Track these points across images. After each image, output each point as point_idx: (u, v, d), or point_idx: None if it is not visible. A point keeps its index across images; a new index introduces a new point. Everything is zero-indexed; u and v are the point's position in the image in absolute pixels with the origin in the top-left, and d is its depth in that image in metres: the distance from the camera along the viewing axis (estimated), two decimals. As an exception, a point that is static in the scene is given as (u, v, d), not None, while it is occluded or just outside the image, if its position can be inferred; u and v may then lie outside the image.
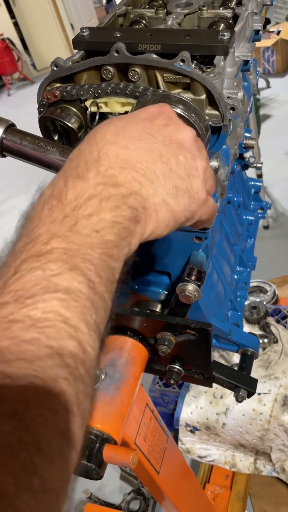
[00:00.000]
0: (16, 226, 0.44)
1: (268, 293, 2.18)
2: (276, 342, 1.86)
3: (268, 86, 5.52)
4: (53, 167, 0.62)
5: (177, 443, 1.83)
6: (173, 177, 0.48)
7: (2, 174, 5.05)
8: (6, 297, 0.35)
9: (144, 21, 0.90)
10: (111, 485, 2.12)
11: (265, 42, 5.51)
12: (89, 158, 0.45)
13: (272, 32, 5.70)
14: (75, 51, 0.77)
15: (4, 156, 0.62)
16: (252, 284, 2.22)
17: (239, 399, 0.99)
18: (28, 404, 0.30)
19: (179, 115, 0.62)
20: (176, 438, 1.85)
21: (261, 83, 5.46)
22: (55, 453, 0.30)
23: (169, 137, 0.50)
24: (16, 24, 7.78)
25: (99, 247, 0.39)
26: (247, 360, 1.04)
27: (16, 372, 0.31)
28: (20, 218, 0.44)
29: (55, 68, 0.71)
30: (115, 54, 0.67)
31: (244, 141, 1.23)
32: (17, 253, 0.39)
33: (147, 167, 0.46)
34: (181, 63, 0.65)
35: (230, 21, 0.87)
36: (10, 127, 0.61)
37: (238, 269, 1.25)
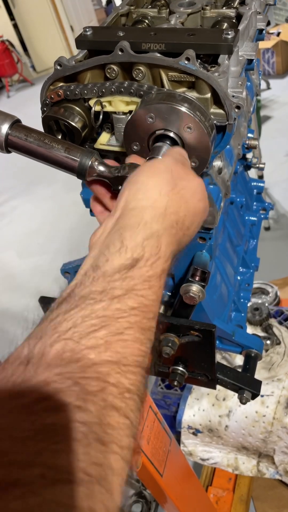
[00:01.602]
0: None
1: (270, 295, 2.18)
2: (279, 343, 1.86)
3: (268, 88, 5.52)
4: (58, 164, 0.61)
5: (179, 445, 1.82)
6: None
7: (2, 176, 5.04)
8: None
9: (147, 21, 0.89)
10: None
11: (265, 44, 5.51)
12: None
13: (272, 33, 5.71)
14: (78, 50, 0.76)
15: (9, 152, 0.62)
16: (254, 286, 2.22)
17: (243, 401, 0.98)
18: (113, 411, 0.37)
19: (184, 114, 0.62)
20: (178, 441, 1.84)
21: (261, 84, 5.45)
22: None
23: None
24: (15, 26, 7.78)
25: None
26: (251, 362, 1.03)
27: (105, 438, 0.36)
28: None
29: (58, 67, 0.70)
30: (120, 53, 0.67)
31: (247, 141, 1.22)
32: None
33: None
34: (186, 62, 0.64)
35: (234, 21, 0.87)
36: (16, 123, 0.61)
37: (241, 270, 1.25)
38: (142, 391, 0.41)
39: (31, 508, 0.29)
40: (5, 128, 0.60)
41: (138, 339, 0.43)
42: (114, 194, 0.63)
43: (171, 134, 0.63)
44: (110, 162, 0.64)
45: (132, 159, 0.65)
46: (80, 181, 0.87)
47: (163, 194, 0.52)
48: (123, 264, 0.46)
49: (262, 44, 5.46)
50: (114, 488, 0.34)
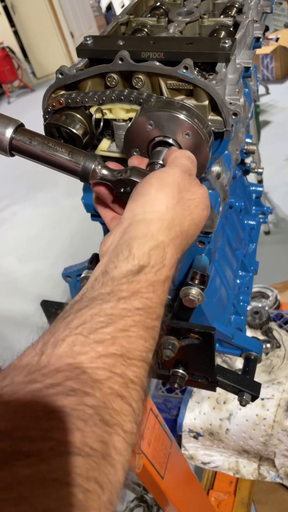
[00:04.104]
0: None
1: (270, 299, 2.19)
2: (279, 347, 1.86)
3: (268, 93, 5.55)
4: (62, 167, 0.62)
5: (180, 449, 1.83)
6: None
7: (2, 181, 5.06)
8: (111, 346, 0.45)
9: (146, 30, 0.91)
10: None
11: (264, 49, 5.54)
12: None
13: (271, 39, 5.74)
14: (79, 59, 0.78)
15: (13, 155, 0.63)
16: (254, 290, 2.23)
17: (243, 403, 0.99)
18: (114, 398, 0.40)
19: (183, 121, 0.63)
20: (179, 444, 1.84)
21: (261, 89, 5.49)
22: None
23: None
24: (16, 33, 7.83)
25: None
26: (250, 364, 1.05)
27: (109, 421, 0.39)
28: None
29: (60, 76, 0.72)
30: (120, 62, 0.68)
31: (245, 147, 1.24)
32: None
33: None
34: (184, 70, 0.66)
35: (231, 29, 0.89)
36: (20, 127, 0.62)
37: (240, 273, 1.26)
38: (145, 384, 0.45)
39: (41, 473, 0.32)
40: (9, 132, 0.61)
41: (142, 336, 0.47)
42: (116, 197, 0.65)
43: (170, 141, 0.65)
44: (114, 165, 0.65)
45: (134, 159, 0.67)
46: (81, 186, 0.88)
47: (169, 207, 0.55)
48: (130, 270, 0.50)
49: (261, 50, 5.49)
50: (117, 465, 0.38)
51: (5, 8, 7.55)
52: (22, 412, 0.36)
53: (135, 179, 0.60)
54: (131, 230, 0.54)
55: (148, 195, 0.56)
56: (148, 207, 0.55)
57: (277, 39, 5.71)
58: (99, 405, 0.39)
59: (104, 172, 0.62)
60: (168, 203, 0.56)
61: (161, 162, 0.64)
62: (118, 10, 3.54)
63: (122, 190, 0.61)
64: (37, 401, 0.37)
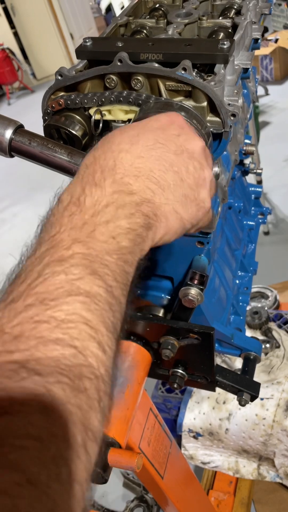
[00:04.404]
0: (35, 231, 0.46)
1: (270, 299, 2.19)
2: (278, 347, 1.87)
3: (267, 94, 5.56)
4: (61, 168, 0.63)
5: (180, 449, 1.83)
6: (183, 186, 0.51)
7: (2, 182, 5.07)
8: (30, 299, 0.37)
9: (145, 31, 0.92)
10: (114, 493, 2.11)
11: (263, 50, 5.55)
12: (105, 165, 0.47)
13: (270, 40, 5.75)
14: (78, 60, 0.78)
15: (12, 156, 0.63)
16: (253, 290, 2.23)
17: (242, 403, 0.99)
18: (56, 400, 0.32)
19: None
20: (179, 444, 1.84)
21: (260, 90, 5.50)
22: (80, 447, 0.32)
23: (181, 147, 0.52)
24: (16, 34, 7.84)
25: (116, 253, 0.42)
26: (249, 364, 1.05)
27: (45, 370, 0.33)
28: (39, 223, 0.46)
29: (59, 77, 0.73)
30: (118, 63, 0.69)
31: (244, 148, 1.24)
32: (39, 257, 0.40)
33: (159, 175, 0.48)
34: (183, 72, 0.67)
35: (230, 30, 0.89)
36: (19, 128, 0.62)
37: (239, 274, 1.26)
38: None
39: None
40: (8, 133, 0.61)
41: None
42: None
43: (169, 142, 0.65)
44: None
45: None
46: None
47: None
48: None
49: (260, 51, 5.51)
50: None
51: (5, 9, 7.57)
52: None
53: None
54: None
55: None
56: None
57: (276, 40, 5.72)
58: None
59: None
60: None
61: None
62: (117, 12, 3.55)
63: None
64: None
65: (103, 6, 3.99)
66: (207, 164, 0.54)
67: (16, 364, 0.32)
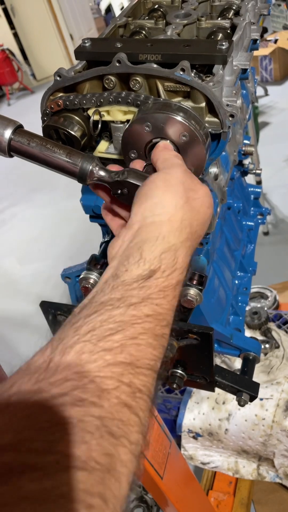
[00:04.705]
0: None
1: (269, 299, 2.19)
2: (278, 347, 1.87)
3: (266, 94, 5.56)
4: (60, 168, 0.63)
5: (180, 449, 1.83)
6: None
7: (2, 183, 5.07)
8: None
9: (144, 32, 0.92)
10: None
11: (262, 51, 5.56)
12: None
13: (269, 40, 5.76)
14: (77, 61, 0.78)
15: (11, 156, 0.63)
16: (253, 290, 2.23)
17: (241, 403, 0.99)
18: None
19: (180, 123, 0.64)
20: (179, 445, 1.84)
21: (260, 91, 5.50)
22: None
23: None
24: (16, 35, 7.84)
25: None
26: (249, 365, 1.05)
27: (117, 432, 0.39)
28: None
29: (58, 78, 0.73)
30: (117, 64, 0.69)
31: (243, 148, 1.25)
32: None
33: None
34: (181, 72, 0.67)
35: (228, 31, 0.89)
36: (19, 128, 0.62)
37: (238, 274, 1.26)
38: (153, 393, 0.44)
39: (46, 489, 0.32)
40: (8, 133, 0.61)
41: (151, 344, 0.46)
42: (114, 198, 0.65)
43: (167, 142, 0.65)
44: (114, 167, 0.66)
45: (136, 163, 0.68)
46: (80, 187, 0.89)
47: (178, 208, 0.55)
48: (141, 275, 0.49)
49: (260, 51, 5.51)
50: (122, 478, 0.37)
51: (5, 10, 7.57)
52: (29, 423, 0.35)
53: (132, 181, 0.61)
54: (141, 233, 0.53)
55: (156, 197, 0.55)
56: (157, 209, 0.54)
57: (275, 41, 5.72)
58: (106, 416, 0.38)
59: (101, 173, 0.62)
60: (177, 203, 0.55)
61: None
62: (117, 12, 3.55)
63: (119, 192, 0.62)
64: (44, 411, 0.36)
65: (103, 7, 4.00)
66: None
67: (99, 420, 0.37)
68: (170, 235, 0.53)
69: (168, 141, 0.66)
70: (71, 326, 0.45)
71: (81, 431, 0.36)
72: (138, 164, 0.67)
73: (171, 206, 0.55)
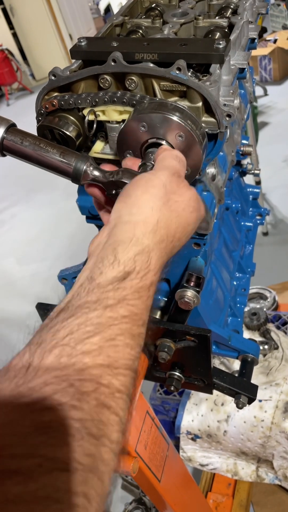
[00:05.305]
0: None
1: (268, 300, 2.18)
2: (277, 348, 1.86)
3: (266, 94, 5.55)
4: (53, 168, 0.62)
5: (178, 451, 1.82)
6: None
7: (1, 183, 5.06)
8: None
9: (141, 31, 0.91)
10: (112, 495, 2.10)
11: (262, 51, 5.55)
12: None
13: (269, 40, 5.75)
14: (73, 60, 0.77)
15: (4, 155, 0.63)
16: (252, 291, 2.22)
17: (239, 406, 0.98)
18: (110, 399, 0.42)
19: (176, 123, 0.63)
20: (177, 447, 1.83)
21: (259, 91, 5.50)
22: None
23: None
24: (15, 35, 7.84)
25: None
26: (247, 366, 1.04)
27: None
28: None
29: (53, 78, 0.72)
30: (112, 63, 0.68)
31: (242, 148, 1.24)
32: None
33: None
34: (178, 72, 0.66)
35: (226, 30, 0.88)
36: (11, 127, 0.62)
37: (237, 275, 1.25)
38: (131, 391, 0.45)
39: (30, 492, 0.33)
40: (0, 132, 0.61)
41: (128, 344, 0.47)
42: (108, 198, 0.64)
43: (163, 143, 0.65)
44: (108, 167, 0.65)
45: (127, 160, 0.67)
46: (77, 188, 0.88)
47: (155, 209, 0.55)
48: (116, 277, 0.50)
49: (259, 51, 5.51)
50: (104, 476, 0.39)
51: (4, 10, 7.56)
52: (10, 430, 0.36)
53: (126, 181, 0.60)
54: (116, 233, 0.54)
55: (134, 197, 0.56)
56: (134, 208, 0.55)
57: (275, 41, 5.72)
58: (86, 418, 0.39)
59: (96, 173, 0.61)
60: (154, 205, 0.55)
61: (153, 163, 0.64)
62: (116, 12, 3.54)
63: (113, 192, 0.61)
64: (25, 417, 0.37)
65: (102, 6, 4.00)
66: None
67: (79, 423, 0.38)
68: (144, 237, 0.53)
69: (165, 141, 0.65)
70: (49, 330, 0.45)
71: (62, 434, 0.37)
72: (130, 162, 0.66)
73: (147, 207, 0.55)
